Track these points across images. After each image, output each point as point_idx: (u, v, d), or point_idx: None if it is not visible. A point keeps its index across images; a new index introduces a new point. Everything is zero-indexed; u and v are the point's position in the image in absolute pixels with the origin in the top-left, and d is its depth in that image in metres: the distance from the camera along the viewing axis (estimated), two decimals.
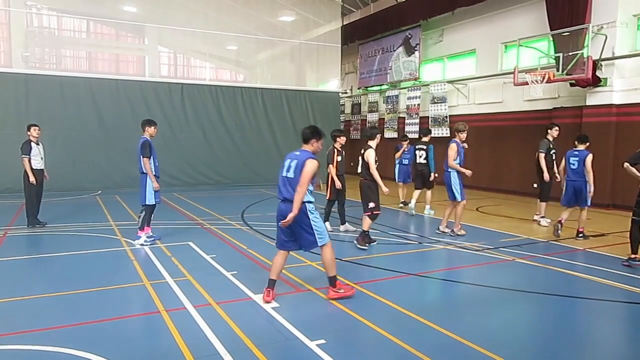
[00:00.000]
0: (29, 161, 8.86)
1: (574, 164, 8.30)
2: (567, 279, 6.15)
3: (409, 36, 18.70)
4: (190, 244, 7.76)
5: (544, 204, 9.83)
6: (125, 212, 10.98)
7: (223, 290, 5.47)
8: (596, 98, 12.29)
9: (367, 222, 7.72)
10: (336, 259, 6.87)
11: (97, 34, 21.72)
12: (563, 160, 8.66)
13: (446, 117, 16.93)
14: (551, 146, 9.79)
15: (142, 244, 7.61)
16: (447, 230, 8.67)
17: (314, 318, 4.73)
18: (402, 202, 11.93)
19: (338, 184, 8.61)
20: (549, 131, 9.86)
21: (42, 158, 9.16)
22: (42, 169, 9.20)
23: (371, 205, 7.66)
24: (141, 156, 7.55)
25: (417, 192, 11.04)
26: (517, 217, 10.63)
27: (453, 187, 8.38)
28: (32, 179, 8.86)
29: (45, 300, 5.20)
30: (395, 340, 4.15)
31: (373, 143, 7.76)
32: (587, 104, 12.48)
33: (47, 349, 3.95)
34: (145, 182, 7.63)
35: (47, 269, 6.59)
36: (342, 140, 8.70)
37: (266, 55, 21.64)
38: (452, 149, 8.27)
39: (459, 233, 8.49)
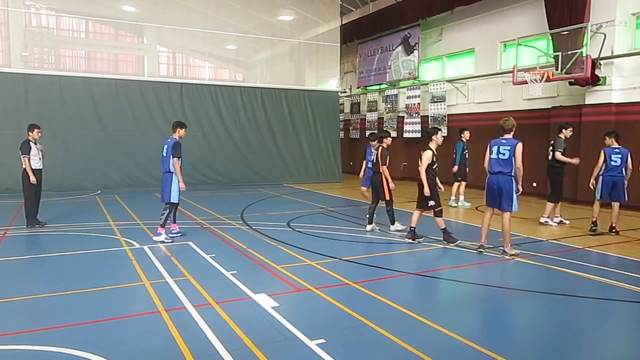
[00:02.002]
0: (29, 161, 8.85)
1: (616, 161, 8.70)
2: (568, 278, 6.15)
3: (408, 35, 18.69)
4: (190, 243, 7.76)
5: (551, 204, 9.64)
6: (124, 212, 10.98)
7: (223, 289, 5.47)
8: (595, 97, 12.29)
9: (440, 220, 7.85)
10: (335, 258, 6.91)
11: (96, 33, 21.73)
12: (601, 157, 8.79)
13: (445, 116, 16.94)
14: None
15: (162, 241, 7.80)
16: (514, 251, 7.18)
17: (314, 317, 4.72)
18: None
19: (393, 185, 8.74)
20: (563, 130, 9.61)
21: (40, 158, 9.15)
22: (41, 169, 9.18)
23: (431, 203, 7.72)
24: (171, 156, 7.88)
25: (455, 185, 12.19)
26: (518, 217, 10.60)
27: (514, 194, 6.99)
28: (32, 178, 8.84)
29: (45, 300, 5.20)
30: (395, 340, 4.15)
31: (433, 144, 7.75)
32: (586, 102, 12.48)
33: (47, 349, 3.95)
34: (170, 181, 7.93)
35: (46, 269, 6.58)
36: (388, 141, 8.96)
37: (265, 55, 21.64)
38: (520, 149, 6.90)
39: (511, 253, 7.08)
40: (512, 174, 6.87)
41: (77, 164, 14.77)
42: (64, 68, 19.04)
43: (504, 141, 7.00)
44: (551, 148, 9.69)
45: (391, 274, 6.24)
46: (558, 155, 9.40)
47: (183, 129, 8.24)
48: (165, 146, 8.07)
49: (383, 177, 8.66)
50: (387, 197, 8.74)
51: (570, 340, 4.34)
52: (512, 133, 7.13)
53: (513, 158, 6.84)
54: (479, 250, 7.24)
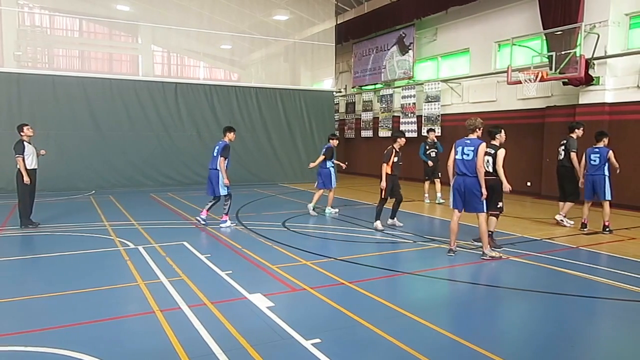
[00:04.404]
0: (23, 160, 8.79)
1: (594, 160, 8.80)
2: (563, 277, 6.18)
3: (403, 35, 18.72)
4: (185, 243, 7.74)
5: (569, 204, 9.42)
6: (119, 212, 10.93)
7: (218, 289, 5.46)
8: (589, 97, 12.36)
9: (493, 222, 7.50)
10: (331, 258, 6.92)
11: (90, 32, 21.66)
12: (583, 158, 8.96)
13: (438, 116, 16.98)
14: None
15: (229, 227, 9.04)
16: (494, 253, 7.06)
17: (310, 317, 4.73)
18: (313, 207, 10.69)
19: (383, 184, 8.85)
20: (576, 130, 9.43)
21: (36, 156, 9.10)
22: (36, 169, 9.12)
23: (500, 204, 7.35)
24: (220, 155, 8.90)
25: (426, 184, 12.97)
26: (511, 216, 10.67)
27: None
28: (26, 179, 8.78)
29: (39, 301, 5.17)
30: (391, 340, 4.16)
31: (496, 142, 7.43)
32: (580, 102, 12.55)
33: (41, 350, 3.93)
34: (217, 177, 8.95)
35: (40, 269, 6.55)
36: (402, 141, 9.06)
37: (260, 55, 21.63)
38: (482, 149, 6.82)
39: (491, 254, 6.97)
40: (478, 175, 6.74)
41: (71, 164, 14.69)
42: (58, 67, 18.96)
43: (468, 142, 6.87)
44: (563, 148, 9.48)
45: (387, 273, 6.25)
46: (573, 156, 9.20)
47: (232, 133, 9.30)
48: (217, 147, 9.10)
49: (383, 174, 8.86)
50: (382, 195, 8.94)
51: (565, 339, 4.36)
52: (476, 133, 6.98)
53: (476, 158, 6.71)
54: (448, 254, 7.11)
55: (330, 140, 10.95)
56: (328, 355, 3.83)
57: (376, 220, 9.01)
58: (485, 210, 6.88)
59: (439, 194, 12.59)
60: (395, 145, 8.96)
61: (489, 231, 7.33)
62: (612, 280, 5.96)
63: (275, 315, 4.64)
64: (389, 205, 9.26)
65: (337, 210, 10.98)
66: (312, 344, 4.01)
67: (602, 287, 5.78)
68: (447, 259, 7.02)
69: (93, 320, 4.55)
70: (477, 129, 7.01)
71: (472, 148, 6.77)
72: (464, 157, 6.83)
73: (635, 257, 7.09)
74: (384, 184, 8.85)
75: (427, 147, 12.69)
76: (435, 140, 12.89)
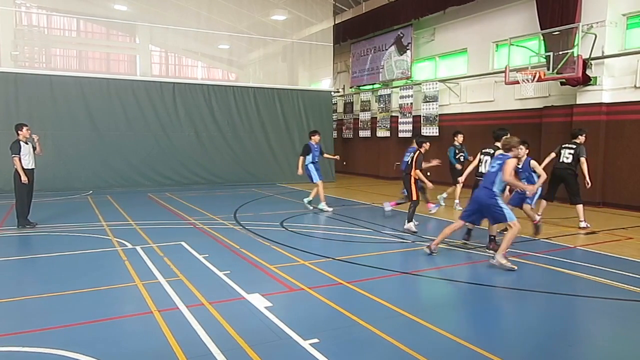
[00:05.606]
0: (20, 160, 8.77)
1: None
2: (561, 277, 6.19)
3: (401, 35, 18.73)
4: (183, 243, 7.73)
5: (581, 206, 9.28)
6: (117, 212, 10.91)
7: (216, 289, 5.45)
8: (586, 97, 12.39)
9: (495, 226, 7.41)
10: (329, 258, 6.92)
11: (87, 32, 21.63)
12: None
13: (436, 116, 17.00)
14: None
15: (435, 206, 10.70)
16: (504, 260, 6.53)
17: (308, 317, 4.72)
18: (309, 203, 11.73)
19: (430, 185, 9.09)
20: (579, 137, 9.34)
21: (33, 156, 9.08)
22: (33, 169, 9.11)
23: None
24: (412, 159, 9.30)
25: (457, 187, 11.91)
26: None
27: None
28: (24, 178, 8.77)
29: (36, 301, 5.16)
30: (389, 339, 4.16)
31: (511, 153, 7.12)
32: (578, 102, 12.57)
33: (39, 350, 3.92)
34: (409, 181, 9.21)
35: (37, 269, 6.53)
36: (427, 146, 9.16)
37: (258, 54, 21.63)
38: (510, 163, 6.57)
39: (501, 261, 6.48)
40: (493, 188, 6.57)
41: (69, 164, 14.67)
42: (55, 67, 18.93)
43: (500, 156, 6.76)
44: (571, 152, 9.27)
45: (385, 273, 6.25)
46: (584, 161, 9.06)
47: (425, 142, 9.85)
48: (408, 153, 9.91)
49: (412, 178, 8.92)
50: (414, 198, 8.95)
51: (563, 339, 4.37)
52: (512, 152, 6.68)
53: (500, 172, 6.53)
54: (425, 250, 7.10)
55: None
56: (326, 355, 3.83)
57: (409, 222, 8.84)
58: (513, 218, 6.54)
59: (439, 196, 12.01)
60: (422, 150, 8.99)
61: (491, 235, 7.33)
62: (609, 280, 5.97)
63: (274, 315, 4.64)
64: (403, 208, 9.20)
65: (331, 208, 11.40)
66: (310, 344, 4.01)
67: (600, 287, 5.78)
68: (446, 258, 7.03)
69: (91, 321, 4.55)
70: (513, 149, 6.70)
71: (501, 162, 6.60)
72: (491, 168, 6.81)
73: (632, 257, 7.11)
74: (430, 184, 9.03)
75: (457, 152, 11.93)
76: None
